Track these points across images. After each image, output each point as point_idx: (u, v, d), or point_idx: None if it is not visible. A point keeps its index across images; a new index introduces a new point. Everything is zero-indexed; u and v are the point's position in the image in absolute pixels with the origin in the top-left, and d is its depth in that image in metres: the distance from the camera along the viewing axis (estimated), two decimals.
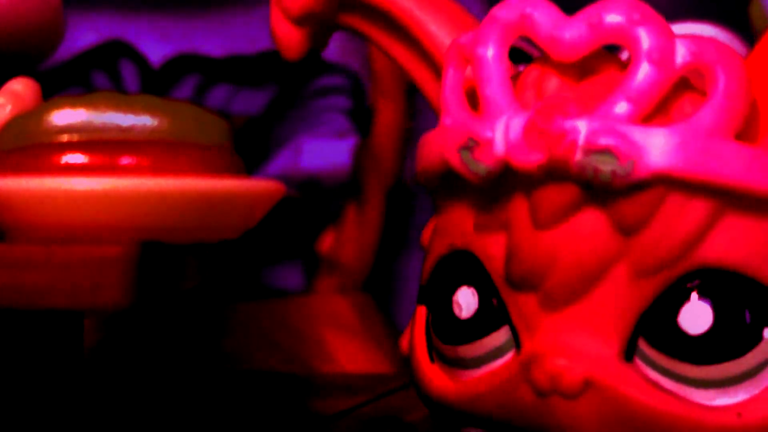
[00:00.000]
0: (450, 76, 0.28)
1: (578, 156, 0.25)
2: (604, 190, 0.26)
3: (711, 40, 0.26)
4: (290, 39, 0.32)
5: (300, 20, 0.32)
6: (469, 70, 0.28)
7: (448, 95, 0.28)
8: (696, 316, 0.26)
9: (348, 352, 0.57)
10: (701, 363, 0.26)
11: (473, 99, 0.28)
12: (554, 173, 0.26)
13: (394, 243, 0.62)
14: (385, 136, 0.60)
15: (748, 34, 0.46)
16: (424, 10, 0.31)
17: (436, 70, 0.31)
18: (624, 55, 0.27)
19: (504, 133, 0.26)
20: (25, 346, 0.38)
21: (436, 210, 0.30)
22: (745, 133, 0.26)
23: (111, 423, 0.43)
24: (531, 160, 0.26)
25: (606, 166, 0.25)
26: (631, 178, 0.25)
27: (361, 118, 0.60)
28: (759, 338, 0.26)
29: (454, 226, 0.29)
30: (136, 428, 0.43)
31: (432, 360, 0.30)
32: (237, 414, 0.44)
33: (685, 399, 0.26)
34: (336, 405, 0.46)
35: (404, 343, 0.31)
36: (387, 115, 0.60)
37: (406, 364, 0.31)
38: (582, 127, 0.26)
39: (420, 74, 0.32)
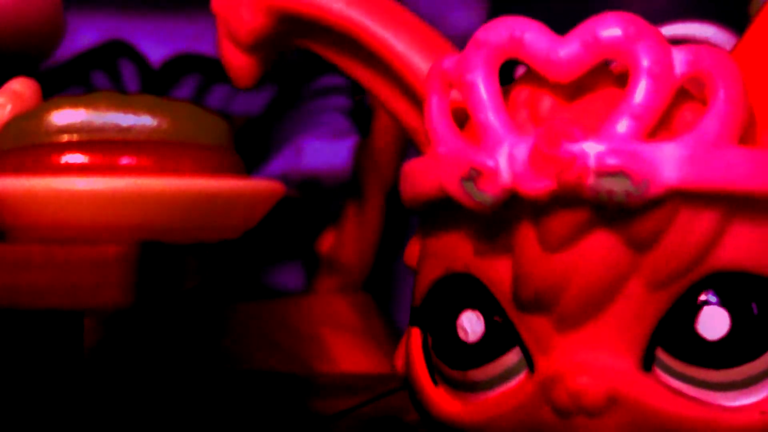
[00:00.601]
0: (434, 102, 0.28)
1: (590, 180, 0.25)
2: (617, 210, 0.25)
3: (706, 47, 0.26)
4: (242, 67, 0.32)
5: (251, 47, 0.31)
6: (453, 94, 0.28)
7: (436, 122, 0.28)
8: (713, 322, 0.26)
9: (348, 352, 0.57)
10: (722, 367, 0.26)
11: (458, 123, 0.28)
12: (564, 198, 0.26)
13: (394, 243, 0.62)
14: (385, 136, 0.60)
15: None
16: (389, 29, 0.30)
17: (405, 90, 0.30)
18: (613, 65, 0.27)
19: (508, 161, 0.26)
20: (25, 346, 0.38)
21: (423, 231, 0.30)
22: (745, 136, 0.26)
23: (111, 423, 0.43)
24: (540, 187, 0.26)
25: (620, 187, 0.25)
26: (646, 196, 0.25)
27: (361, 118, 0.60)
28: None
29: (451, 250, 0.28)
30: (136, 428, 0.43)
31: (435, 383, 0.29)
32: (237, 414, 0.44)
33: (708, 403, 0.26)
34: (336, 405, 0.46)
35: (399, 363, 0.31)
36: (387, 115, 0.60)
37: (405, 385, 0.31)
38: (590, 150, 0.25)
39: (385, 94, 0.31)
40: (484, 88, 0.27)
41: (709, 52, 0.26)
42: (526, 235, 0.26)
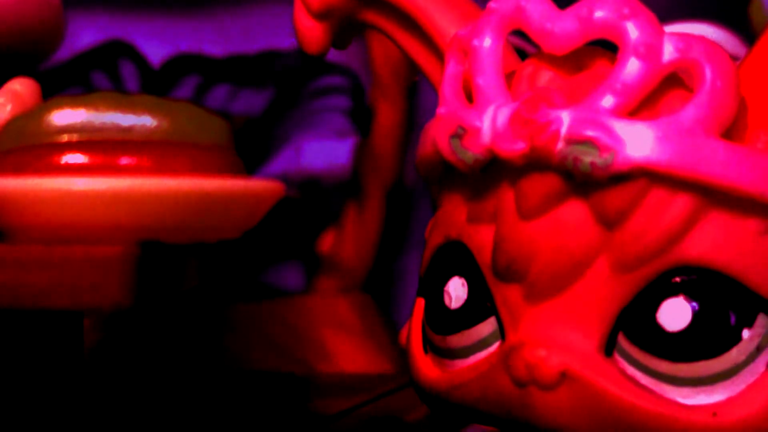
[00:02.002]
0: (450, 68, 0.29)
1: (560, 146, 0.26)
2: (584, 180, 0.26)
3: (700, 38, 0.27)
4: (312, 33, 0.33)
5: (321, 15, 0.32)
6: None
7: (446, 86, 0.28)
8: (675, 313, 0.26)
9: (348, 352, 0.57)
10: (678, 360, 0.26)
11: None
12: (537, 163, 0.26)
13: (394, 243, 0.62)
14: (385, 136, 0.60)
15: (748, 34, 0.46)
16: (434, 3, 0.31)
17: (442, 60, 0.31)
18: None
19: (491, 121, 0.27)
20: (25, 346, 0.38)
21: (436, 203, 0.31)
22: (733, 133, 0.27)
23: (111, 423, 0.43)
24: (514, 148, 0.26)
25: (586, 156, 0.26)
26: (611, 169, 0.26)
27: (361, 118, 0.60)
28: (738, 339, 0.26)
29: (450, 217, 0.29)
30: (136, 428, 0.43)
31: (426, 351, 0.30)
32: (237, 414, 0.44)
33: (660, 396, 0.26)
34: (336, 405, 0.46)
35: (403, 335, 0.31)
36: (387, 115, 0.60)
37: (403, 356, 0.31)
38: (565, 117, 0.26)
39: (433, 71, 0.32)
40: (483, 52, 0.27)
41: (701, 42, 0.26)
42: (507, 201, 0.27)
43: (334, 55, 0.63)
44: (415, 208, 0.63)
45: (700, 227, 0.26)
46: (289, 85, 0.61)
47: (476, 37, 0.28)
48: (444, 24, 0.31)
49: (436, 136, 0.28)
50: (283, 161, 0.60)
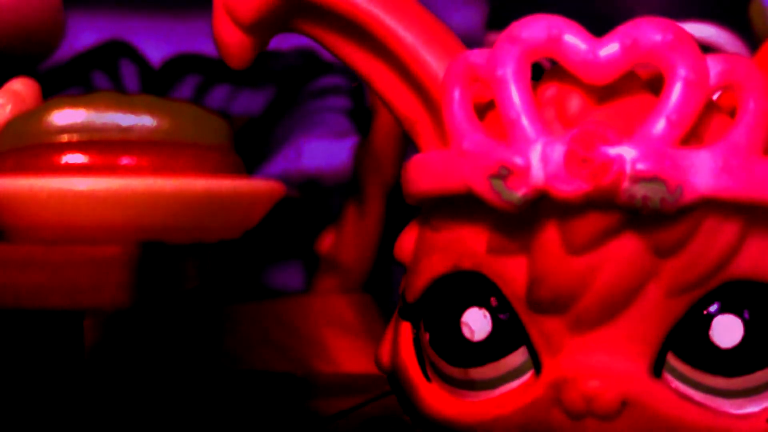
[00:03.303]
0: (457, 96, 0.27)
1: (626, 185, 0.25)
2: (651, 216, 0.25)
3: (737, 57, 0.26)
4: (238, 46, 0.31)
5: (251, 27, 0.31)
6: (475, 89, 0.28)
7: (459, 117, 0.27)
8: (727, 330, 0.26)
9: (348, 352, 0.57)
10: (733, 375, 0.26)
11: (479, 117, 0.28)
12: (597, 201, 0.26)
13: (394, 243, 0.62)
14: (385, 136, 0.60)
15: (748, 34, 0.46)
16: (398, 20, 0.30)
17: (409, 79, 0.30)
18: (640, 70, 0.27)
19: (541, 161, 0.26)
20: (25, 346, 0.38)
21: (426, 225, 0.30)
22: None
23: (111, 423, 0.43)
24: (573, 189, 0.25)
25: (655, 193, 0.25)
26: (680, 203, 0.25)
27: (361, 118, 0.60)
28: None
29: (459, 246, 0.28)
30: (136, 428, 0.43)
31: (428, 379, 0.29)
32: (237, 414, 0.44)
33: (715, 409, 0.26)
34: (336, 405, 0.46)
35: (384, 357, 0.31)
36: (387, 115, 0.60)
37: (390, 380, 0.31)
38: (627, 154, 0.25)
39: (383, 81, 0.31)
40: (515, 85, 0.27)
41: (741, 62, 0.26)
42: (549, 236, 0.26)
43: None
44: (415, 208, 0.63)
45: (746, 244, 0.26)
46: (289, 85, 0.61)
47: (500, 66, 0.27)
48: (407, 37, 0.30)
49: (468, 175, 0.27)
50: (283, 161, 0.60)
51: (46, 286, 0.30)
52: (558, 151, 0.26)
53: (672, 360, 0.26)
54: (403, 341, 0.30)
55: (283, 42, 0.62)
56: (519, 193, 0.26)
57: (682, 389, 0.26)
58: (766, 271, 0.26)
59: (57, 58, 0.57)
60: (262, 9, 0.31)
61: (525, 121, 0.26)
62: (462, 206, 0.28)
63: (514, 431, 0.27)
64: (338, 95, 0.61)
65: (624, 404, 0.26)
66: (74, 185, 0.32)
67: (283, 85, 0.61)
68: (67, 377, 0.39)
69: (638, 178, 0.25)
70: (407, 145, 0.60)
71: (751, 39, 0.46)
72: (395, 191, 0.61)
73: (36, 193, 0.32)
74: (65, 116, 0.34)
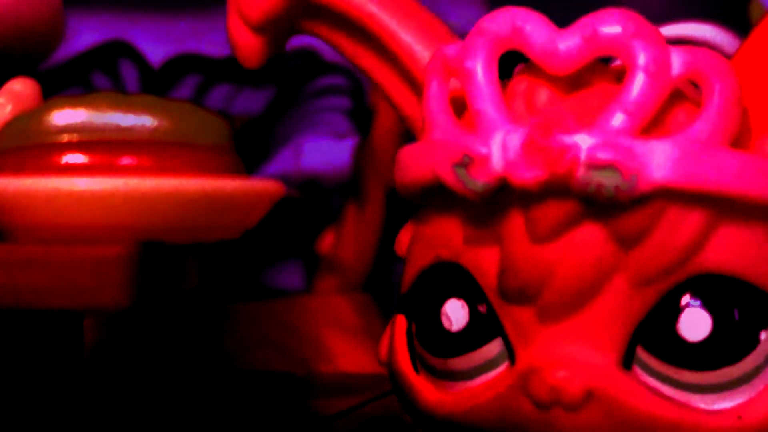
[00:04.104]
0: (434, 88, 0.28)
1: (581, 172, 0.25)
2: (605, 204, 0.26)
3: (704, 50, 0.26)
4: (249, 47, 0.32)
5: (260, 27, 0.32)
6: (453, 82, 0.28)
7: (434, 108, 0.28)
8: (695, 323, 0.26)
9: (348, 352, 0.57)
10: (701, 369, 0.26)
11: (457, 111, 0.28)
12: (554, 189, 0.26)
13: (394, 243, 0.62)
14: (385, 136, 0.60)
15: (748, 34, 0.46)
16: (395, 18, 0.30)
17: (407, 78, 0.31)
18: (616, 63, 0.27)
19: (501, 149, 0.26)
20: (25, 346, 0.38)
21: (416, 218, 0.30)
22: (737, 140, 0.27)
23: (111, 423, 0.43)
24: (531, 176, 0.26)
25: (609, 181, 0.25)
26: (635, 192, 0.25)
27: (361, 118, 0.60)
28: (756, 341, 0.26)
29: (440, 238, 0.29)
30: (136, 428, 0.43)
31: (417, 371, 0.30)
32: (237, 414, 0.44)
33: (685, 404, 0.26)
34: (336, 405, 0.46)
35: (382, 350, 0.31)
36: (387, 115, 0.60)
37: (388, 373, 0.31)
38: (583, 142, 0.25)
39: (388, 81, 0.31)
40: (482, 76, 0.27)
41: (706, 54, 0.26)
42: (515, 226, 0.27)
43: (334, 55, 0.63)
44: (415, 208, 0.63)
45: (714, 237, 0.26)
46: (289, 85, 0.61)
47: (469, 58, 0.27)
48: (406, 37, 0.30)
49: (435, 164, 0.27)
50: (283, 161, 0.60)
51: (47, 286, 0.30)
52: (517, 140, 0.26)
53: (641, 353, 0.26)
54: (397, 333, 0.30)
55: None
56: (480, 181, 0.26)
57: (651, 383, 0.26)
58: (736, 265, 0.26)
59: (57, 58, 0.57)
60: (269, 11, 0.31)
61: (489, 111, 0.27)
62: (442, 198, 0.28)
63: (487, 421, 0.28)
64: (338, 95, 0.61)
65: (589, 395, 0.26)
66: (74, 185, 0.32)
67: (283, 85, 0.61)
68: (67, 377, 0.39)
69: (593, 166, 0.25)
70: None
71: None
72: (395, 191, 0.61)
73: (36, 193, 0.32)
74: (65, 116, 0.34)
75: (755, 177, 0.26)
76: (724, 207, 0.26)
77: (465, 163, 0.26)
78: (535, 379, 0.26)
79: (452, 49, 0.28)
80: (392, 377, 0.31)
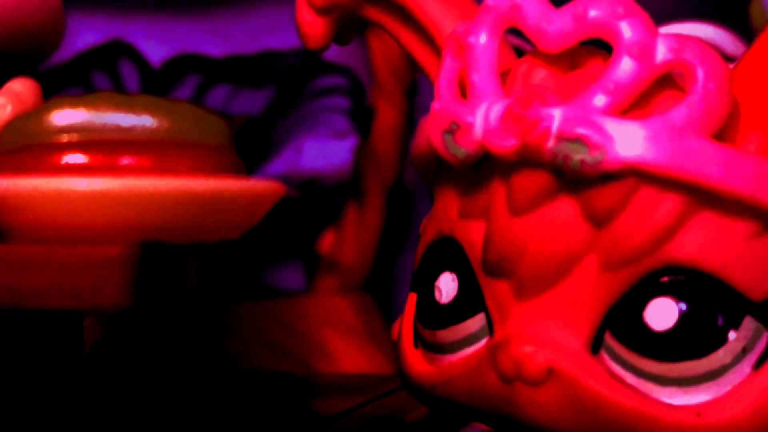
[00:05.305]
0: (446, 63, 0.29)
1: (550, 143, 0.26)
2: (574, 178, 0.26)
3: (693, 39, 0.27)
4: (314, 28, 0.33)
5: (324, 9, 0.32)
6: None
7: (442, 83, 0.29)
8: (661, 313, 0.26)
9: (348, 352, 0.57)
10: (664, 360, 0.26)
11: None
12: (528, 159, 0.26)
13: (394, 243, 0.62)
14: (385, 136, 0.60)
15: (748, 34, 0.46)
16: (437, 3, 0.31)
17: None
18: None
19: (484, 118, 0.27)
20: (25, 346, 0.38)
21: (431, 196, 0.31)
22: (725, 134, 0.27)
23: (111, 423, 0.43)
24: (505, 144, 0.26)
25: (576, 154, 0.26)
26: (600, 167, 0.26)
27: (361, 118, 0.60)
28: (724, 340, 0.26)
29: (442, 213, 0.29)
30: (136, 428, 0.43)
31: (416, 345, 0.30)
32: (237, 414, 0.44)
33: (645, 395, 0.26)
34: (336, 405, 0.46)
35: (395, 330, 0.31)
36: (387, 115, 0.60)
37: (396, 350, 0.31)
38: (557, 114, 0.26)
39: (433, 68, 0.32)
40: (479, 49, 0.28)
41: (694, 43, 0.26)
42: (498, 198, 0.27)
43: (334, 55, 0.63)
44: (415, 208, 0.63)
45: (688, 228, 0.26)
46: (289, 85, 0.61)
47: (472, 34, 0.28)
48: (443, 21, 0.31)
49: (429, 131, 0.28)
50: (283, 161, 0.60)
51: (47, 286, 0.30)
52: (498, 109, 0.27)
53: (608, 339, 0.27)
54: (407, 310, 0.30)
55: (283, 42, 0.62)
56: (463, 148, 0.27)
57: (615, 369, 0.27)
58: (711, 261, 0.26)
59: (57, 58, 0.57)
60: None
61: (480, 83, 0.27)
62: (444, 173, 0.29)
63: (459, 393, 0.28)
64: (338, 95, 0.61)
65: (550, 372, 0.26)
66: (74, 185, 0.32)
67: (283, 85, 0.61)
68: (67, 377, 0.39)
69: (562, 138, 0.26)
70: (407, 145, 0.60)
71: (751, 39, 0.46)
72: (395, 191, 0.61)
73: (36, 193, 0.32)
74: (65, 116, 0.34)
75: (735, 171, 0.26)
76: (701, 198, 0.26)
77: (452, 130, 0.27)
78: (501, 351, 0.27)
79: (462, 26, 0.28)
80: (398, 353, 0.31)
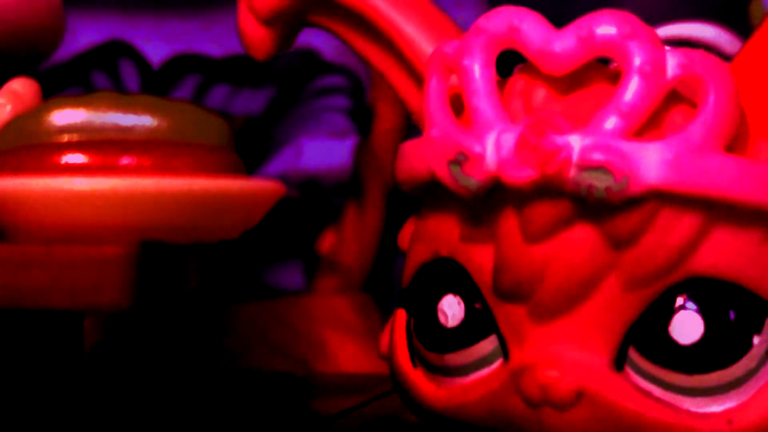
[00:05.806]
0: (433, 85, 0.28)
1: (572, 173, 0.25)
2: (597, 205, 0.26)
3: (700, 53, 0.26)
4: (259, 39, 0.32)
5: (269, 20, 0.32)
6: (453, 79, 0.28)
7: (432, 105, 0.28)
8: (687, 326, 0.26)
9: (348, 352, 0.57)
10: (692, 372, 0.26)
11: (456, 108, 0.28)
12: (547, 189, 0.26)
13: (394, 243, 0.62)
14: (385, 136, 0.60)
15: (748, 34, 0.46)
16: (400, 12, 0.30)
17: (412, 73, 0.31)
18: (613, 65, 0.27)
19: (495, 148, 0.26)
20: (25, 346, 0.38)
21: (417, 214, 0.30)
22: (733, 144, 0.27)
23: (111, 423, 0.43)
24: (523, 176, 0.26)
25: (600, 182, 0.25)
26: (626, 193, 0.25)
27: (361, 118, 0.60)
28: (749, 346, 0.26)
29: (438, 234, 0.29)
30: (136, 428, 0.43)
31: (414, 365, 0.30)
32: (237, 414, 0.44)
33: (676, 407, 0.26)
34: (336, 405, 0.46)
35: (383, 344, 0.31)
36: (387, 115, 0.60)
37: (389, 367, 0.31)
38: (575, 143, 0.25)
39: (394, 76, 0.32)
40: (479, 74, 0.27)
41: (702, 57, 0.26)
42: (509, 224, 0.27)
43: (334, 55, 0.63)
44: (415, 208, 0.63)
45: (707, 240, 0.26)
46: (289, 85, 0.61)
47: (466, 56, 0.27)
48: (410, 32, 0.30)
49: (431, 159, 0.27)
50: (283, 161, 0.60)
51: (47, 286, 0.30)
52: (511, 139, 0.26)
53: (633, 355, 0.27)
54: (397, 328, 0.30)
55: None
56: (474, 179, 0.27)
57: (642, 385, 0.26)
58: (730, 269, 0.26)
59: (57, 58, 0.57)
60: (278, 3, 0.32)
61: (485, 109, 0.27)
62: (440, 194, 0.28)
63: (478, 417, 0.28)
64: (338, 95, 0.61)
65: (580, 395, 0.26)
66: (74, 185, 0.32)
67: (283, 85, 0.61)
68: (67, 377, 0.39)
69: (584, 167, 0.25)
70: None
71: None
72: (395, 191, 0.61)
73: (36, 193, 0.32)
74: (65, 116, 0.34)
75: (749, 181, 0.26)
76: (718, 211, 0.26)
77: (459, 160, 0.27)
78: (526, 377, 0.26)
79: (451, 46, 0.28)
80: (392, 370, 0.31)
